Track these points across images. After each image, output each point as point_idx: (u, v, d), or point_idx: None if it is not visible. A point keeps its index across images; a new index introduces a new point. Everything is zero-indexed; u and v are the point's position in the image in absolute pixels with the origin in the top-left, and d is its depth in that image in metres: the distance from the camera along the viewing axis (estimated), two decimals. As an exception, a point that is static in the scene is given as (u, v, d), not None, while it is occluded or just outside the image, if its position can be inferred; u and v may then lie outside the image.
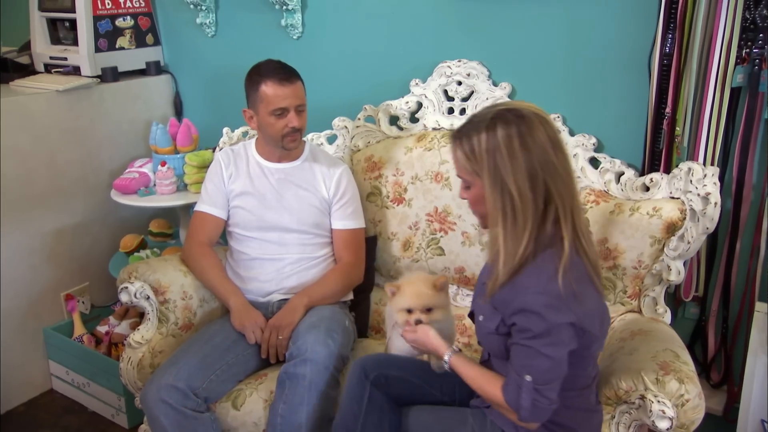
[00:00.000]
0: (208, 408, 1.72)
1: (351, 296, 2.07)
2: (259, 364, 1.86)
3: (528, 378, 1.24)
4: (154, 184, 2.40)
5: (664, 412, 1.31)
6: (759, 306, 1.69)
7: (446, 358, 1.43)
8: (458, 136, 1.31)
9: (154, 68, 2.78)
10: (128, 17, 2.66)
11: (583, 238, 1.28)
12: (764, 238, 1.76)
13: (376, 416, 1.46)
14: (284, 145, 1.95)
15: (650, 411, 1.32)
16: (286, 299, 1.95)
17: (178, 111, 2.86)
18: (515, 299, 1.25)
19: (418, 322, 1.51)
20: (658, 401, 1.32)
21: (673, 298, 1.93)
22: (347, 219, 2.03)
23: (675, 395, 1.33)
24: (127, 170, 2.48)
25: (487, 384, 1.35)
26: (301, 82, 1.91)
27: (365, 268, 2.13)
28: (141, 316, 2.52)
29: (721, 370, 1.91)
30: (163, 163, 2.36)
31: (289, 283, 1.96)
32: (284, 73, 1.88)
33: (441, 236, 2.07)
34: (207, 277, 1.96)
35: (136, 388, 1.89)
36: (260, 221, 1.97)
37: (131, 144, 2.72)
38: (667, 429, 1.32)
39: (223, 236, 2.18)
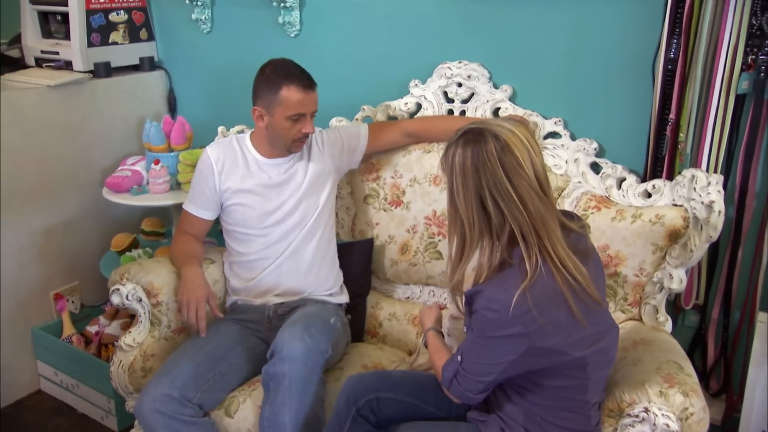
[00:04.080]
0: (205, 414, 1.68)
1: (347, 299, 2.04)
2: (253, 371, 1.82)
3: (459, 358, 1.36)
4: (147, 183, 2.36)
5: (668, 426, 1.28)
6: (761, 316, 1.67)
7: (426, 331, 1.59)
8: (445, 148, 1.37)
9: (148, 64, 2.73)
10: (122, 12, 2.61)
11: (557, 259, 1.27)
12: (767, 247, 1.74)
13: None
14: (292, 148, 1.91)
15: (654, 424, 1.30)
16: (282, 303, 1.91)
17: (172, 108, 2.81)
18: (475, 300, 1.30)
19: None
20: (663, 414, 1.30)
21: (673, 305, 1.91)
22: (358, 127, 2.06)
23: (679, 408, 1.31)
24: (119, 168, 2.44)
25: (438, 357, 1.49)
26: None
27: (361, 272, 2.11)
28: (132, 316, 2.49)
29: (720, 379, 1.89)
30: (157, 162, 2.31)
31: (290, 284, 1.93)
32: (307, 79, 1.85)
33: (439, 240, 2.04)
34: (174, 252, 1.94)
35: (127, 392, 1.85)
36: (263, 217, 1.93)
37: (124, 141, 2.67)
38: (672, 443, 1.29)
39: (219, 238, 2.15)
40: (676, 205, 1.71)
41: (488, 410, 1.43)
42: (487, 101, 2.05)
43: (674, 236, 1.68)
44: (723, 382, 1.88)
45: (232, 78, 2.61)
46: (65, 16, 2.51)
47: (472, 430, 1.42)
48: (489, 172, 1.27)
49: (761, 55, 1.63)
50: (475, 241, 1.33)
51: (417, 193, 2.06)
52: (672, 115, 1.75)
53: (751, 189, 1.73)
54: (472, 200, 1.30)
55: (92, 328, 2.50)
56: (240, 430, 1.69)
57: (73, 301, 2.58)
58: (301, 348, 1.61)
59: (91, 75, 2.53)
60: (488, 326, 1.28)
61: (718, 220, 1.59)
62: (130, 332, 1.84)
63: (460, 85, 2.09)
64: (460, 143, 1.31)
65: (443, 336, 1.62)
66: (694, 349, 1.93)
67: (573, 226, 1.37)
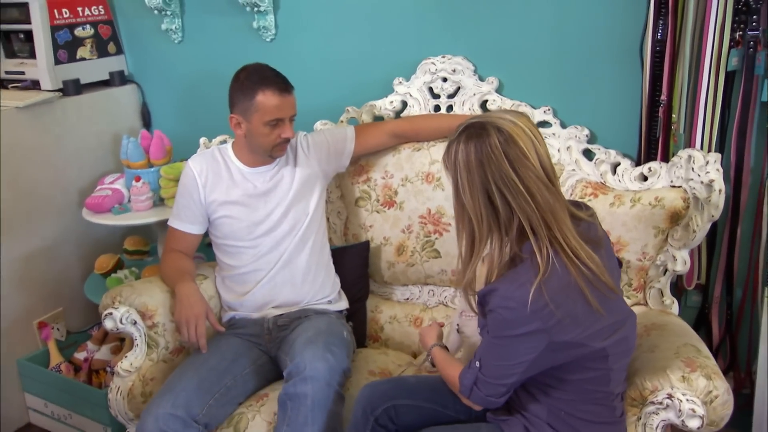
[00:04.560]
0: (210, 434, 1.63)
1: (346, 305, 1.99)
2: (258, 384, 1.77)
3: (477, 364, 1.32)
4: (129, 201, 2.28)
5: (694, 411, 1.27)
6: (769, 292, 1.67)
7: (429, 349, 1.54)
8: (446, 146, 1.33)
9: (119, 78, 2.64)
10: (87, 26, 2.53)
11: (569, 250, 1.25)
12: (765, 223, 1.74)
13: None
14: (272, 154, 1.86)
15: (679, 410, 1.28)
16: (281, 314, 1.86)
17: (146, 122, 2.73)
18: (490, 300, 1.27)
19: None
20: (688, 400, 1.28)
21: (675, 287, 1.90)
22: (344, 129, 2.02)
23: (704, 392, 1.29)
24: (98, 188, 2.35)
25: (450, 368, 1.44)
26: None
27: (358, 276, 2.06)
28: (121, 340, 2.41)
29: (726, 357, 1.89)
30: (138, 178, 2.23)
31: (286, 295, 1.88)
32: (282, 83, 1.80)
33: (436, 238, 2.00)
34: (165, 270, 1.89)
35: (128, 419, 1.78)
36: (252, 228, 1.88)
37: (99, 159, 2.58)
38: (698, 428, 1.28)
39: (207, 253, 2.09)
40: (674, 186, 1.70)
41: (509, 410, 1.40)
42: (474, 94, 2.02)
43: (675, 218, 1.67)
44: (729, 360, 1.88)
45: (207, 88, 2.54)
46: (28, 34, 2.42)
47: (494, 431, 1.39)
48: (494, 165, 1.24)
49: (749, 30, 1.63)
50: (485, 236, 1.30)
51: (410, 193, 2.03)
52: (663, 96, 1.74)
53: (746, 165, 1.74)
54: (478, 195, 1.27)
55: (80, 355, 2.41)
56: (250, 448, 1.64)
57: (58, 329, 2.49)
58: (324, 368, 1.58)
59: (61, 93, 2.44)
60: (505, 325, 1.25)
61: (719, 199, 1.59)
62: (126, 357, 1.77)
63: (445, 80, 2.06)
64: (462, 139, 1.28)
65: (447, 349, 1.58)
66: (699, 329, 1.93)
67: (582, 215, 1.35)
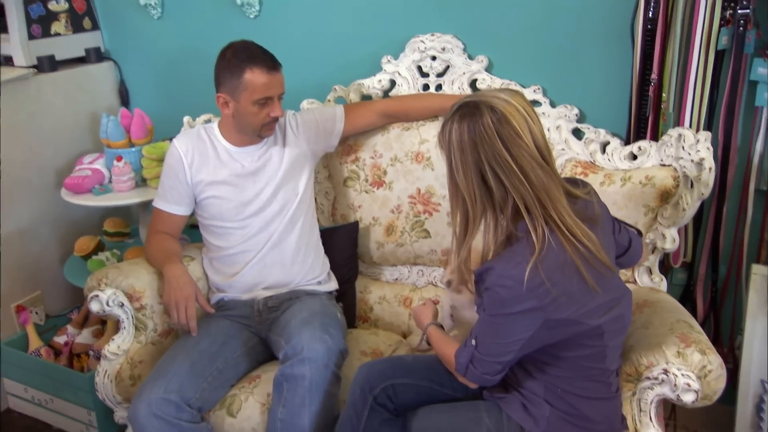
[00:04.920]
0: (202, 418, 1.60)
1: (336, 285, 1.98)
2: (250, 366, 1.76)
3: (473, 342, 1.32)
4: (110, 181, 2.22)
5: (689, 385, 1.29)
6: (756, 269, 1.70)
7: (425, 328, 1.53)
8: (441, 125, 1.33)
9: (95, 55, 2.57)
10: (62, 0, 2.44)
11: (564, 228, 1.25)
12: (751, 200, 1.77)
13: None
14: (261, 133, 1.83)
15: (675, 385, 1.31)
16: (271, 296, 1.84)
17: (125, 101, 2.66)
18: (486, 279, 1.27)
19: (448, 284, 1.59)
20: (683, 374, 1.30)
21: (662, 265, 1.92)
22: (334, 108, 2.00)
23: (698, 367, 1.31)
24: (77, 168, 2.29)
25: (446, 347, 1.43)
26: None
27: (347, 257, 2.05)
28: (103, 322, 2.37)
29: (711, 333, 1.93)
30: (119, 158, 2.18)
31: (276, 276, 1.86)
32: (271, 60, 1.76)
33: (425, 218, 2.00)
34: (151, 252, 1.85)
35: (116, 403, 1.75)
36: (240, 208, 1.84)
37: (76, 139, 2.51)
38: (692, 402, 1.30)
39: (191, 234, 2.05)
40: (664, 165, 1.71)
41: (506, 387, 1.40)
42: (464, 73, 2.00)
43: (665, 196, 1.69)
44: (713, 336, 1.92)
45: (188, 65, 2.48)
46: (0, 8, 2.33)
47: (492, 408, 1.40)
48: (487, 145, 1.24)
49: (739, 9, 1.63)
50: (479, 216, 1.30)
51: (399, 172, 2.01)
52: (654, 75, 1.74)
53: (734, 144, 1.76)
54: (472, 175, 1.26)
55: (60, 339, 2.36)
56: (244, 430, 1.62)
57: (36, 312, 2.43)
58: (322, 349, 1.57)
59: (35, 70, 2.36)
60: (502, 303, 1.25)
61: (709, 177, 1.61)
62: (113, 339, 1.74)
63: (434, 58, 2.03)
64: (455, 118, 1.27)
65: (443, 328, 1.59)
66: (683, 306, 1.95)
67: (578, 193, 1.35)
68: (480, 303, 1.33)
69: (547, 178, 1.26)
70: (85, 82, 2.53)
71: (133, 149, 2.23)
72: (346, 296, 2.03)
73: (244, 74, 1.73)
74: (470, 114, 1.25)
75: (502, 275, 1.24)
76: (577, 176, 1.81)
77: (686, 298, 1.95)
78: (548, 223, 1.25)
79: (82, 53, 2.54)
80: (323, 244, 1.99)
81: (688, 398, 1.30)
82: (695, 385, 1.29)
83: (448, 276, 1.58)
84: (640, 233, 1.49)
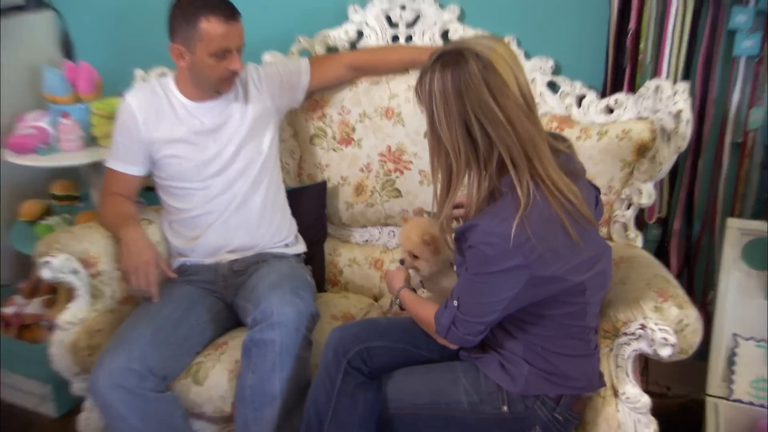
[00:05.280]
0: (167, 387, 1.53)
1: (304, 248, 1.90)
2: (216, 332, 1.69)
3: (455, 303, 1.28)
4: (57, 141, 2.07)
5: (666, 340, 1.27)
6: (730, 222, 1.69)
7: (397, 292, 1.47)
8: (419, 76, 1.24)
9: (34, 3, 2.38)
10: (-5, -58, 2.23)
11: (549, 182, 1.20)
12: (727, 154, 1.75)
13: (348, 399, 1.39)
14: (219, 89, 1.72)
15: (652, 339, 1.29)
16: (236, 259, 1.76)
17: (69, 53, 2.47)
18: (470, 237, 1.22)
19: (401, 262, 1.51)
20: (660, 329, 1.28)
21: (637, 221, 1.90)
22: (298, 61, 1.90)
23: (675, 321, 1.29)
24: (19, 126, 2.12)
25: (423, 309, 1.40)
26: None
27: (315, 218, 1.97)
28: (54, 290, 2.24)
29: (684, 289, 1.92)
30: (66, 115, 2.03)
31: (241, 238, 1.77)
32: (228, 9, 1.63)
33: (396, 177, 1.93)
34: (106, 215, 1.75)
35: (73, 374, 1.66)
36: (201, 168, 1.74)
37: (16, 95, 2.32)
38: (668, 356, 1.29)
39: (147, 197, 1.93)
40: (641, 118, 1.67)
41: (483, 347, 1.37)
42: (435, 23, 1.91)
43: (642, 150, 1.65)
44: (687, 292, 1.92)
45: (137, 14, 2.31)
46: (-76, -50, 2.12)
47: (469, 369, 1.37)
48: (473, 94, 1.17)
49: (719, -44, 1.59)
50: (462, 171, 1.23)
51: (368, 129, 1.93)
52: (632, 25, 1.69)
53: (710, 96, 1.73)
54: (456, 127, 1.19)
55: (9, 309, 2.23)
56: (211, 398, 1.56)
57: (-19, 282, 2.29)
58: (292, 313, 1.50)
59: (-32, 19, 2.17)
60: (486, 262, 1.20)
61: (686, 129, 1.57)
62: (68, 308, 1.63)
63: (403, 7, 1.93)
64: (437, 67, 1.19)
65: (415, 291, 1.53)
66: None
67: (560, 146, 1.30)
68: (461, 262, 1.28)
69: (533, 129, 1.20)
70: (22, 32, 2.34)
71: (81, 105, 2.08)
72: (314, 259, 1.96)
73: (199, 23, 1.61)
74: (454, 62, 1.18)
75: (487, 232, 1.19)
76: (554, 131, 1.76)
77: (660, 254, 1.93)
78: (533, 177, 1.20)
79: (20, 1, 2.34)
80: (290, 205, 1.91)
81: (665, 352, 1.29)
82: (672, 339, 1.27)
83: (401, 254, 1.52)
84: (598, 191, 1.45)
